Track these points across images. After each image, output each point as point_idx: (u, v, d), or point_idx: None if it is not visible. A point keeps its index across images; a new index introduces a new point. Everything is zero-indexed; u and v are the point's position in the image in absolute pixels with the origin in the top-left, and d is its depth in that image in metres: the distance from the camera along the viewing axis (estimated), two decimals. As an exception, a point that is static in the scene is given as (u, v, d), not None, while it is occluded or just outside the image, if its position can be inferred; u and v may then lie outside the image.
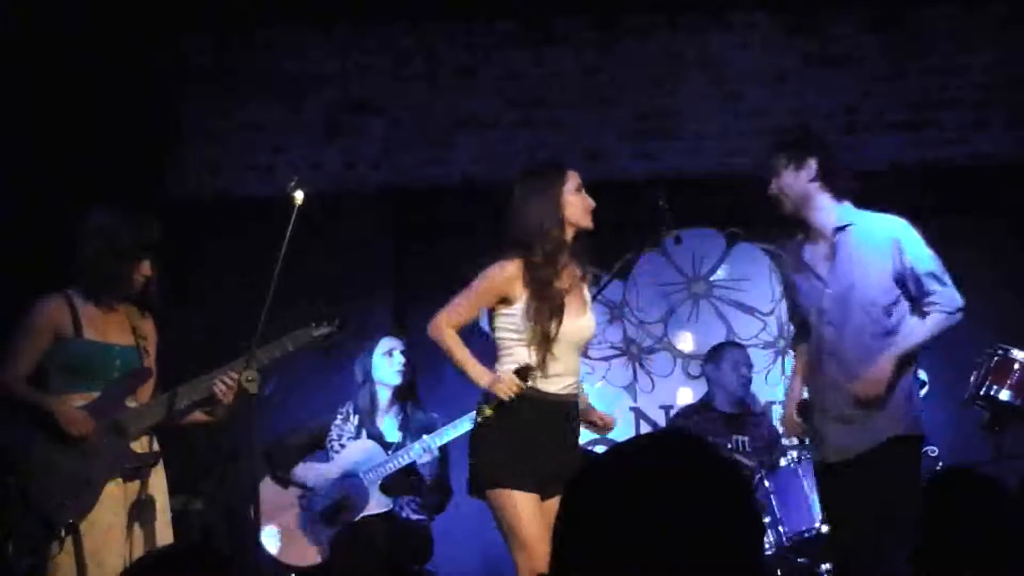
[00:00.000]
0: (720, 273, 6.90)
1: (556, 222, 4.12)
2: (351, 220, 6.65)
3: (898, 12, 6.70)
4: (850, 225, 4.25)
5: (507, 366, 4.11)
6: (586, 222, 4.18)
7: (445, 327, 4.13)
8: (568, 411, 4.17)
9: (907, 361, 4.24)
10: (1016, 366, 4.81)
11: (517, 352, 4.11)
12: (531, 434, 4.04)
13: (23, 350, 4.17)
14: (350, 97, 6.86)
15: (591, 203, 4.20)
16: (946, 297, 4.19)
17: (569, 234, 4.16)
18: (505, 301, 4.12)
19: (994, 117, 6.64)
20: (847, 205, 4.29)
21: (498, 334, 4.18)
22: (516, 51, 6.84)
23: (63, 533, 3.98)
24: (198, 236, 6.65)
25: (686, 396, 6.71)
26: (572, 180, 4.20)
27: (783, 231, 4.74)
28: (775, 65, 6.75)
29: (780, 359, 6.77)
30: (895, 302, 4.22)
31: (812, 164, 4.24)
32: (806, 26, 6.75)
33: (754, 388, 6.56)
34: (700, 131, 6.76)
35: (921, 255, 4.21)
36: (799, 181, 4.25)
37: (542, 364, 4.08)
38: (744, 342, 6.66)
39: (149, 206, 4.57)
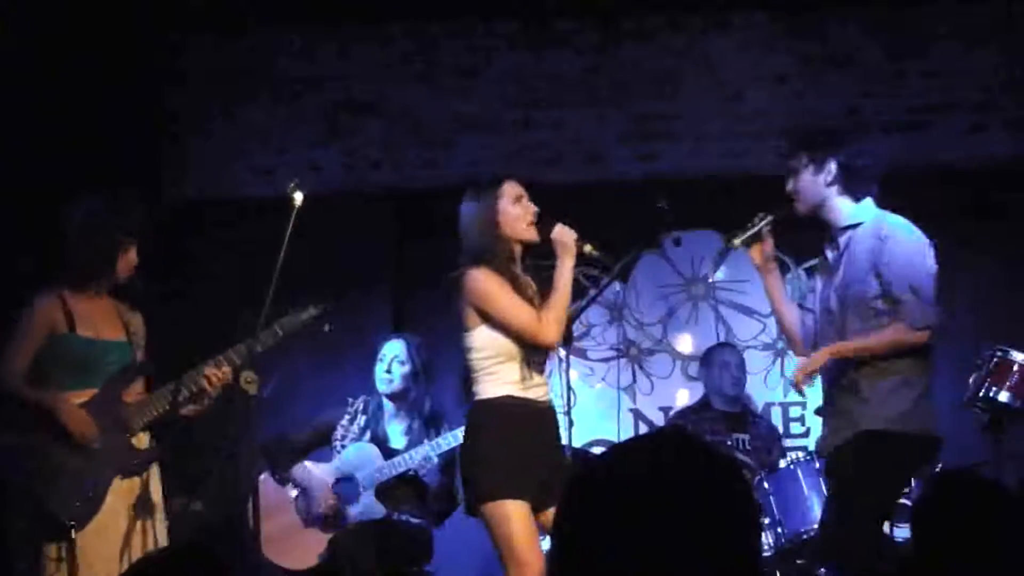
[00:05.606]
0: (719, 275, 6.89)
1: (495, 235, 4.06)
2: (351, 220, 6.63)
3: (898, 12, 6.70)
4: (859, 224, 4.14)
5: (490, 390, 4.05)
6: (524, 234, 4.10)
7: (547, 329, 4.02)
8: (552, 417, 4.17)
9: (885, 361, 4.05)
10: (1015, 368, 4.78)
11: (499, 371, 4.05)
12: (524, 444, 4.00)
13: (18, 347, 4.19)
14: (350, 97, 6.85)
15: (533, 210, 4.10)
16: (912, 310, 4.00)
17: (516, 247, 4.11)
18: (484, 315, 4.05)
19: (994, 118, 6.63)
20: (864, 205, 4.16)
21: (477, 355, 4.07)
22: (516, 51, 6.83)
23: (72, 535, 3.98)
24: (198, 236, 6.65)
25: (685, 397, 6.71)
26: (510, 191, 4.12)
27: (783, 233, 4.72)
28: (775, 66, 6.74)
29: (779, 360, 6.76)
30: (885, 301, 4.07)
31: (832, 167, 4.13)
32: (806, 27, 6.75)
33: (753, 389, 6.56)
34: (700, 132, 6.76)
35: (901, 260, 4.03)
36: (817, 184, 4.14)
37: (527, 374, 4.05)
38: (743, 344, 6.65)
39: (144, 200, 4.57)
